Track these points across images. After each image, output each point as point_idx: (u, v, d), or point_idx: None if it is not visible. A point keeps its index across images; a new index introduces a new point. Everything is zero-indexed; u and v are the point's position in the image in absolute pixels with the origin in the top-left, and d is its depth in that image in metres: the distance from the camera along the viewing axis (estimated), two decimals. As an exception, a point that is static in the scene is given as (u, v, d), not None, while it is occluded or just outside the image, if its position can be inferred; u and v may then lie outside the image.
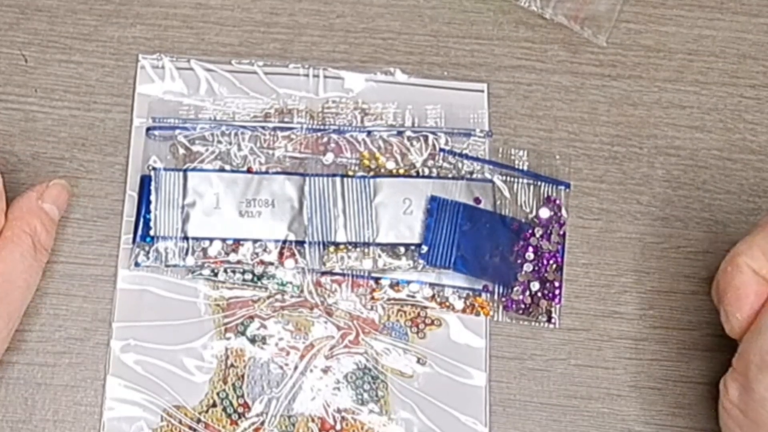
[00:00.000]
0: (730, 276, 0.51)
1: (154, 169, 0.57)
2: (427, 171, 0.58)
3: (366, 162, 0.58)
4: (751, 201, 0.60)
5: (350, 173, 0.58)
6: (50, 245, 0.54)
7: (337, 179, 0.57)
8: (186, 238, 0.56)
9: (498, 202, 0.58)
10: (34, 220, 0.53)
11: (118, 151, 0.58)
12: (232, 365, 0.55)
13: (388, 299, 0.57)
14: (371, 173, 0.58)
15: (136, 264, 0.56)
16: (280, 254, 0.56)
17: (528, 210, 0.58)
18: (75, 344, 0.55)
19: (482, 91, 0.61)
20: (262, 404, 0.55)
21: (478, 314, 0.57)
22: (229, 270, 0.56)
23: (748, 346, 0.50)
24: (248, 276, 0.56)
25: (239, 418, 0.55)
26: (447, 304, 0.57)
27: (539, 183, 0.59)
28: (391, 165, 0.58)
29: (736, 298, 0.51)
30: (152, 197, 0.56)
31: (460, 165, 0.59)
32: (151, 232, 0.56)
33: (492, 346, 0.57)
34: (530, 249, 0.58)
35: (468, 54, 0.61)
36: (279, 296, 0.57)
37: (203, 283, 0.56)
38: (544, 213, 0.58)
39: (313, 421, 0.55)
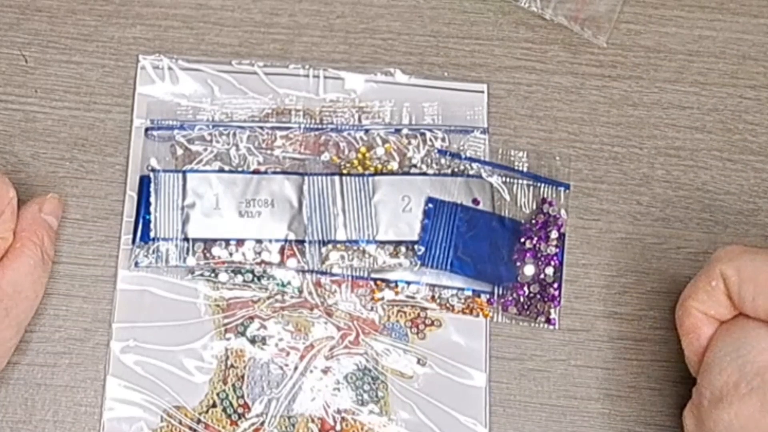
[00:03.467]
0: (681, 319, 0.53)
1: (153, 170, 0.57)
2: (425, 168, 0.58)
3: (362, 156, 0.58)
4: (751, 202, 0.60)
5: (349, 171, 0.58)
6: (53, 255, 0.55)
7: (336, 178, 0.57)
8: (186, 239, 0.56)
9: (497, 203, 0.58)
10: (41, 231, 0.53)
11: (118, 152, 0.58)
12: (232, 366, 0.55)
13: (388, 300, 0.57)
14: (370, 169, 0.58)
15: (136, 264, 0.56)
16: (281, 253, 0.56)
17: (527, 211, 0.58)
18: (75, 345, 0.55)
19: (482, 92, 0.61)
20: (262, 405, 0.55)
21: (477, 315, 0.57)
22: (229, 270, 0.56)
23: (700, 381, 0.51)
24: (248, 276, 0.56)
25: (239, 418, 0.55)
26: (447, 304, 0.57)
27: (539, 184, 0.59)
28: (391, 164, 0.58)
29: (689, 339, 0.53)
30: (152, 199, 0.56)
31: (458, 162, 0.59)
32: (152, 234, 0.56)
33: (492, 347, 0.57)
34: (529, 250, 0.58)
35: (468, 54, 0.61)
36: (279, 297, 0.57)
37: (203, 284, 0.56)
38: (543, 214, 0.58)
39: (313, 421, 0.55)
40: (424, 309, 0.57)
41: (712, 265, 0.52)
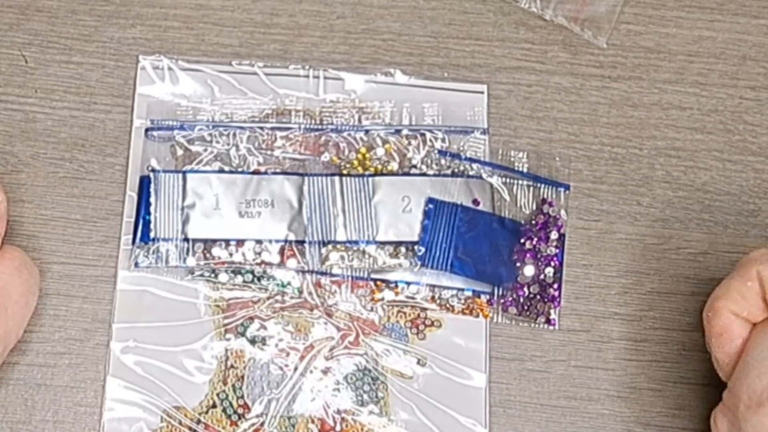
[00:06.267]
0: (712, 321, 0.52)
1: (154, 171, 0.57)
2: (425, 169, 0.58)
3: (362, 157, 0.58)
4: (751, 202, 0.60)
5: (349, 172, 0.58)
6: None
7: (336, 178, 0.57)
8: (186, 239, 0.56)
9: (497, 204, 0.58)
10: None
11: (118, 152, 0.58)
12: (232, 366, 0.55)
13: (388, 300, 0.57)
14: (370, 170, 0.58)
15: (136, 265, 0.56)
16: (281, 254, 0.56)
17: (527, 212, 0.58)
18: (75, 345, 0.55)
19: (482, 93, 0.61)
20: (262, 405, 0.55)
21: (477, 316, 0.57)
22: (229, 271, 0.56)
23: (736, 384, 0.50)
24: (248, 277, 0.56)
25: (239, 419, 0.55)
26: (447, 305, 0.57)
27: (539, 185, 0.59)
28: (391, 164, 0.58)
29: (720, 341, 0.52)
30: (152, 199, 0.56)
31: (458, 162, 0.59)
32: (152, 234, 0.56)
33: (492, 348, 0.57)
34: (529, 251, 0.58)
35: (468, 55, 0.61)
36: (279, 297, 0.57)
37: (203, 284, 0.56)
38: (543, 215, 0.58)
39: (312, 422, 0.55)
40: (424, 309, 0.57)
41: (748, 266, 0.51)
